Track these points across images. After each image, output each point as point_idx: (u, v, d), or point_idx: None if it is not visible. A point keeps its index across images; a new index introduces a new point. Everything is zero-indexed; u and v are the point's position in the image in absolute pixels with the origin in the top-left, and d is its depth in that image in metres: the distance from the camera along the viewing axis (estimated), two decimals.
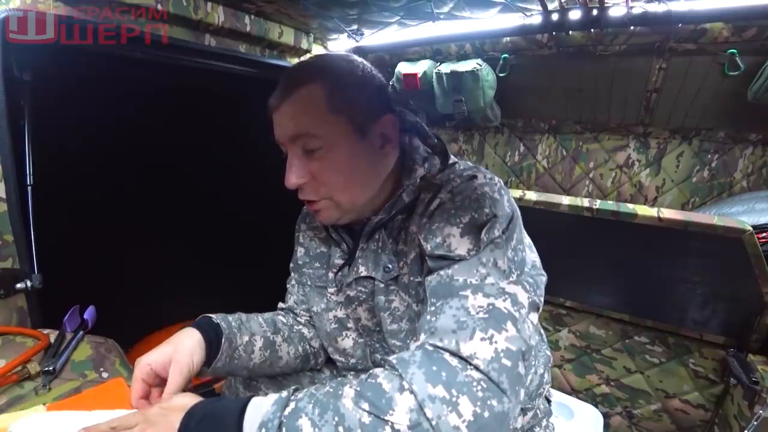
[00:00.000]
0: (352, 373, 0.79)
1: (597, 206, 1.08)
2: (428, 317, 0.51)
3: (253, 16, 1.26)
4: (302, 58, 1.54)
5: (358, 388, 0.45)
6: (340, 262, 0.74)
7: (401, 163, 0.67)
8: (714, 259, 1.12)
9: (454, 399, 0.42)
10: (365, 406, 0.43)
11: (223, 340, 0.65)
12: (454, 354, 0.45)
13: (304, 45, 1.46)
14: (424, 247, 0.57)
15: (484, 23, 1.27)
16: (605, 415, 1.46)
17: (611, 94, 1.47)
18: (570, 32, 1.24)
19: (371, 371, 0.48)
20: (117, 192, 2.16)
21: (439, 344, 0.46)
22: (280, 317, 0.81)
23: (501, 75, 1.50)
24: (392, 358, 0.47)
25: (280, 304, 0.86)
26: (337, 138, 0.60)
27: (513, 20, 1.24)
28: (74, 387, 0.71)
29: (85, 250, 1.90)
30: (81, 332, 0.85)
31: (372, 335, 0.74)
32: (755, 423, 0.99)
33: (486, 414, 0.42)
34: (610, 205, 1.08)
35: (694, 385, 1.35)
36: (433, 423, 0.41)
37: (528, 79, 1.56)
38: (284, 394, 0.47)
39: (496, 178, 0.62)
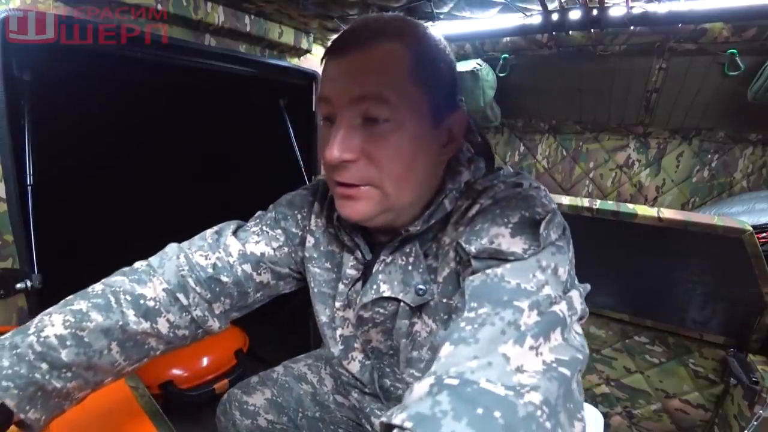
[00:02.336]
0: (357, 391, 0.69)
1: (597, 206, 1.08)
2: (463, 324, 0.38)
3: (253, 16, 1.26)
4: (302, 58, 1.54)
5: None
6: (353, 273, 0.60)
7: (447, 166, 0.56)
8: (714, 259, 1.12)
9: None
10: None
11: (26, 420, 0.46)
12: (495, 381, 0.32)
13: (304, 45, 1.46)
14: (466, 249, 0.46)
15: (484, 23, 1.27)
16: (605, 415, 1.45)
17: (611, 94, 1.47)
18: (570, 32, 1.24)
19: None
20: (117, 191, 2.16)
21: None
22: (164, 322, 0.56)
23: (501, 75, 1.50)
24: (406, 423, 0.30)
25: (202, 237, 0.64)
26: (411, 115, 0.48)
27: (513, 20, 1.24)
28: None
29: (85, 249, 1.90)
30: None
31: (382, 359, 0.63)
32: (755, 423, 0.98)
33: None
34: (610, 205, 1.08)
35: (694, 385, 1.35)
36: None
37: (528, 79, 1.56)
38: None
39: (542, 187, 0.52)
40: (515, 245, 0.44)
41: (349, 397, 0.74)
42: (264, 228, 0.66)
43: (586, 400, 1.36)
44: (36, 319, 0.51)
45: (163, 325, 0.56)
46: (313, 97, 1.64)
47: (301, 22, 1.36)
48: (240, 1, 1.17)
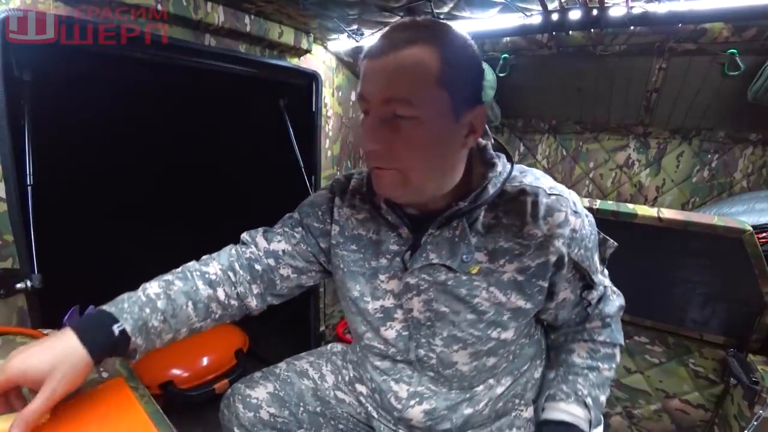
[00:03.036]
0: (388, 360, 0.76)
1: (597, 206, 1.08)
2: (596, 315, 0.74)
3: (253, 16, 1.26)
4: (302, 58, 1.54)
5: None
6: (395, 248, 0.69)
7: (479, 157, 0.66)
8: (714, 259, 1.12)
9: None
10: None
11: (133, 344, 0.62)
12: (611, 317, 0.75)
13: (304, 45, 1.46)
14: (591, 275, 0.69)
15: (484, 23, 1.27)
16: (605, 416, 1.45)
17: (611, 94, 1.47)
18: (570, 32, 1.24)
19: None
20: (117, 191, 2.17)
21: (612, 320, 0.76)
22: (221, 291, 0.73)
23: (501, 75, 1.50)
24: (606, 340, 0.75)
25: (244, 236, 0.80)
26: (434, 115, 0.55)
27: (513, 20, 1.24)
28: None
29: (85, 249, 1.91)
30: None
31: (420, 329, 0.70)
32: (755, 423, 0.99)
33: None
34: (610, 205, 1.08)
35: (694, 385, 1.35)
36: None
37: (528, 79, 1.56)
38: None
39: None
40: (600, 266, 0.74)
41: (364, 378, 0.82)
42: (285, 228, 0.79)
43: None
44: (140, 287, 0.68)
45: (220, 294, 0.73)
46: (314, 97, 1.64)
47: (301, 22, 1.36)
48: (240, 1, 1.17)
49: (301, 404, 0.82)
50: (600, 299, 0.74)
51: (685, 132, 1.48)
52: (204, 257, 0.78)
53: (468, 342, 0.68)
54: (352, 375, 0.86)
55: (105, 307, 0.63)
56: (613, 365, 0.74)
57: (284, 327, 1.98)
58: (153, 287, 0.68)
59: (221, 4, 1.17)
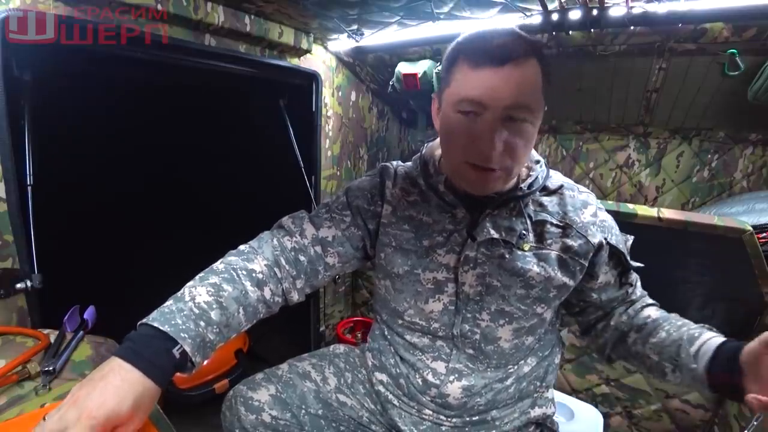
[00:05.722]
0: (429, 337, 0.79)
1: None
2: (634, 296, 0.82)
3: (253, 16, 1.26)
4: (302, 58, 1.54)
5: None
6: (451, 227, 0.74)
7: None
8: (714, 259, 1.12)
9: None
10: None
11: (190, 361, 0.60)
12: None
13: (304, 45, 1.46)
14: (626, 259, 0.77)
15: (484, 23, 1.27)
16: (605, 415, 1.45)
17: (611, 94, 1.47)
18: (570, 32, 1.24)
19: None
20: (117, 191, 2.17)
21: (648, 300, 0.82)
22: (268, 291, 0.71)
23: None
24: (653, 303, 0.82)
25: (287, 222, 0.78)
26: (538, 117, 0.64)
27: (513, 20, 1.24)
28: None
29: (85, 249, 1.91)
30: (81, 332, 0.84)
31: (468, 303, 0.75)
32: (755, 423, 0.98)
33: None
34: (610, 205, 1.08)
35: None
36: None
37: None
38: None
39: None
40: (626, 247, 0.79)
41: (387, 365, 0.84)
42: (333, 214, 0.79)
43: (586, 400, 1.37)
44: (185, 291, 0.64)
45: (267, 293, 0.71)
46: (313, 97, 1.64)
47: (301, 22, 1.36)
48: (240, 1, 1.17)
49: (303, 407, 0.82)
50: (636, 282, 0.82)
51: (685, 132, 1.48)
52: (243, 249, 0.75)
53: (514, 316, 0.75)
54: (370, 365, 0.88)
55: (157, 325, 0.57)
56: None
57: (284, 327, 1.98)
58: (202, 294, 0.63)
59: (221, 4, 1.17)
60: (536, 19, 1.21)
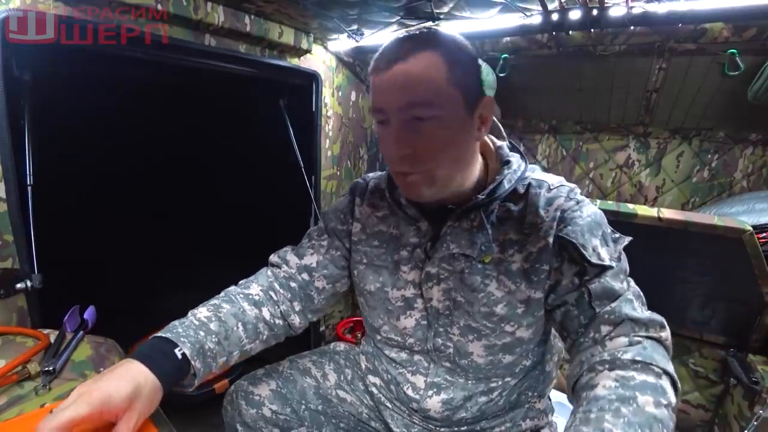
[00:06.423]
0: (406, 351, 0.79)
1: (597, 206, 1.08)
2: (606, 316, 0.60)
3: (253, 16, 1.26)
4: (302, 58, 1.54)
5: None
6: (415, 240, 0.73)
7: (494, 155, 0.71)
8: (714, 259, 1.12)
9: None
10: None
11: (192, 369, 0.62)
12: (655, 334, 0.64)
13: (304, 45, 1.46)
14: (581, 253, 0.62)
15: (484, 23, 1.27)
16: None
17: (611, 94, 1.47)
18: (570, 32, 1.24)
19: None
20: (117, 191, 2.16)
21: (645, 334, 0.61)
22: (266, 311, 0.75)
23: (501, 75, 1.50)
24: (636, 358, 0.56)
25: (273, 258, 0.84)
26: (451, 112, 0.59)
27: (513, 20, 1.24)
28: (74, 387, 0.70)
29: (85, 249, 1.90)
30: (81, 332, 0.84)
31: (438, 318, 0.73)
32: (755, 423, 0.98)
33: None
34: (610, 205, 1.08)
35: (694, 385, 1.35)
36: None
37: (528, 79, 1.55)
38: None
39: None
40: (607, 257, 0.63)
41: (379, 370, 0.84)
42: (313, 241, 0.84)
43: None
44: (188, 313, 0.69)
45: (266, 313, 0.75)
46: (313, 97, 1.64)
47: (301, 22, 1.36)
48: (240, 1, 1.17)
49: (303, 402, 0.83)
50: (613, 297, 0.61)
51: (685, 132, 1.48)
52: (242, 281, 0.81)
53: (482, 333, 0.71)
54: (364, 367, 0.88)
55: (160, 334, 0.63)
56: (662, 399, 0.51)
57: None
58: (202, 311, 0.69)
59: (221, 4, 1.17)
60: (536, 19, 1.21)
